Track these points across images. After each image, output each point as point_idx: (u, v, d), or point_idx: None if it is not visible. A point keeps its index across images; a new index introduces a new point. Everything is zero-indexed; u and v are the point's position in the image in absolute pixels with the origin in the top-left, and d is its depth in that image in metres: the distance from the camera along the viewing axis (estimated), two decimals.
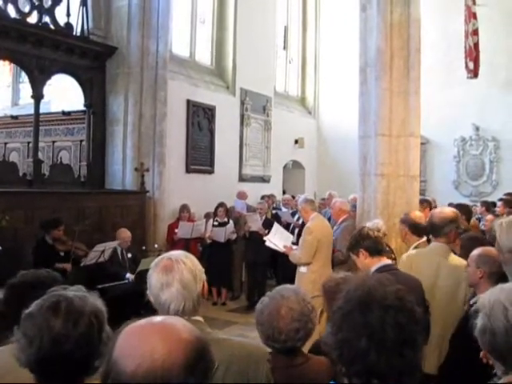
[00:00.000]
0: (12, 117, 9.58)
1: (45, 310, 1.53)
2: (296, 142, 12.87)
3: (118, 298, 5.43)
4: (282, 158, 12.59)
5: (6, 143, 9.62)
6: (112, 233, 6.93)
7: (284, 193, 11.94)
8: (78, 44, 7.74)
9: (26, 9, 7.36)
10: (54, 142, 8.92)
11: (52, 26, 7.53)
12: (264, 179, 11.73)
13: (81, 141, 8.49)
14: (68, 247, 6.16)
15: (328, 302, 2.60)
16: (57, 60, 7.55)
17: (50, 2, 7.64)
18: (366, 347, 1.30)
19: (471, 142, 12.06)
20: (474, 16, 9.94)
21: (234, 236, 8.46)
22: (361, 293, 1.40)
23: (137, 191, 8.00)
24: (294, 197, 9.96)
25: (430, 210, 7.40)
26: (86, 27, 7.86)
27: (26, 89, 9.74)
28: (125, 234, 6.85)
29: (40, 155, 7.89)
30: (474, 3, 9.94)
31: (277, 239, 6.16)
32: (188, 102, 9.59)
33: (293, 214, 8.72)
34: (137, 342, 0.99)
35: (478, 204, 9.02)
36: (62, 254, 6.13)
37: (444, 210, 3.79)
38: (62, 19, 7.63)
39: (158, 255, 1.98)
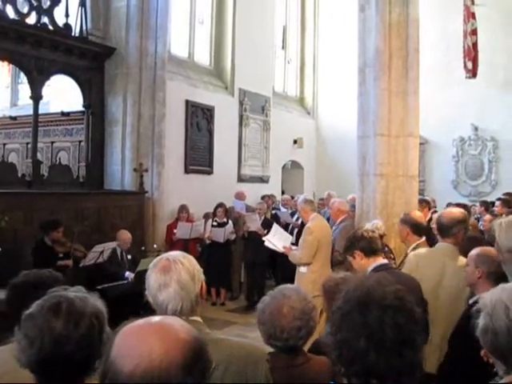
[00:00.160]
0: (11, 117, 9.58)
1: (46, 310, 1.53)
2: (295, 142, 12.87)
3: (117, 299, 5.41)
4: (281, 159, 12.60)
5: (4, 144, 9.62)
6: (111, 233, 6.93)
7: (283, 193, 11.95)
8: (76, 45, 7.73)
9: (25, 9, 7.36)
10: (52, 142, 8.92)
11: (51, 27, 7.52)
12: (263, 179, 11.73)
13: (80, 141, 8.49)
14: (67, 249, 6.15)
15: (328, 302, 2.60)
16: (55, 61, 7.55)
17: (48, 3, 7.63)
18: (365, 347, 1.30)
19: (470, 142, 12.07)
20: (473, 16, 9.94)
21: (233, 236, 8.46)
22: (360, 293, 1.40)
23: (136, 192, 7.99)
24: (293, 197, 9.97)
25: (429, 209, 7.43)
26: (84, 28, 7.86)
27: (24, 89, 9.73)
28: (125, 235, 6.85)
29: (39, 156, 7.89)
30: (473, 3, 9.93)
31: (276, 239, 6.16)
32: (187, 102, 9.59)
33: (292, 214, 8.73)
34: (134, 342, 0.99)
35: (478, 204, 9.03)
36: (61, 255, 6.11)
37: (453, 211, 3.78)
38: (60, 20, 7.62)
39: (157, 255, 1.98)
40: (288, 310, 2.17)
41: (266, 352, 1.95)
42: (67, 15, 7.67)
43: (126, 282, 6.58)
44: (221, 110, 10.35)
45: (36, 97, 7.42)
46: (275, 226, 6.58)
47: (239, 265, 8.97)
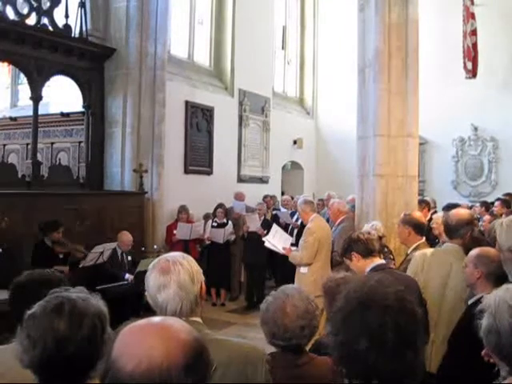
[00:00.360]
0: (11, 118, 9.57)
1: (48, 311, 1.53)
2: (294, 142, 12.88)
3: (117, 299, 5.42)
4: (281, 159, 12.60)
5: (4, 145, 9.61)
6: (111, 234, 6.93)
7: (283, 193, 11.94)
8: (76, 45, 7.73)
9: (25, 10, 7.36)
10: (52, 143, 8.92)
11: (50, 28, 7.52)
12: (263, 180, 11.73)
13: (79, 142, 8.49)
14: (67, 250, 6.15)
15: (328, 303, 2.60)
16: (55, 61, 7.54)
17: (48, 4, 7.63)
18: (366, 348, 1.30)
19: (470, 143, 12.07)
20: (473, 16, 9.96)
21: (232, 237, 8.46)
22: (360, 294, 1.40)
23: (135, 192, 7.99)
24: (292, 197, 9.97)
25: (429, 210, 7.43)
26: (84, 29, 7.85)
27: (24, 90, 9.73)
28: (126, 237, 6.85)
29: (39, 156, 7.87)
30: (473, 3, 9.95)
31: (276, 240, 6.16)
32: (186, 103, 9.59)
33: (292, 215, 8.73)
34: (136, 342, 0.99)
35: (478, 204, 9.03)
36: (61, 256, 6.12)
37: (460, 212, 3.75)
38: (60, 21, 7.62)
39: (157, 256, 1.98)
40: (291, 310, 2.18)
41: (265, 353, 1.95)
42: (67, 16, 7.67)
43: (125, 282, 6.59)
44: (220, 111, 10.35)
45: (36, 97, 7.41)
46: (275, 227, 6.58)
47: (239, 265, 8.96)
